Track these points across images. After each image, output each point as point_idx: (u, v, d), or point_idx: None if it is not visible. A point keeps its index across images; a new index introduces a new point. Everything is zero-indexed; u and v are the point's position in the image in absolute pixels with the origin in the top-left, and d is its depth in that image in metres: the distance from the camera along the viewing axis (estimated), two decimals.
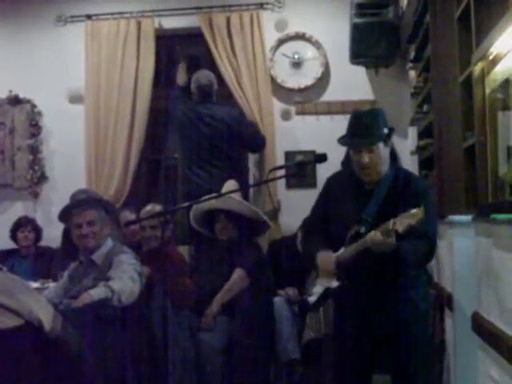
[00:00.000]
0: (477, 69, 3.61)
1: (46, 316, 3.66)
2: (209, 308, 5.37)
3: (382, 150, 3.89)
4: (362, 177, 3.96)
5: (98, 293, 4.33)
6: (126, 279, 4.50)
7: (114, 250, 4.80)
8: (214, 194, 5.04)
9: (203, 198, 5.07)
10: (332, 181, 4.26)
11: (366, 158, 3.87)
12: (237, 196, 5.54)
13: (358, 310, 4.05)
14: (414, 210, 3.54)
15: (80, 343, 3.80)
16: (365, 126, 3.89)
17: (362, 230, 3.84)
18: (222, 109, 6.84)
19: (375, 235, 3.67)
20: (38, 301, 3.70)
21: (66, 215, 4.79)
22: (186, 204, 5.14)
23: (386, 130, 3.91)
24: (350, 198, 4.03)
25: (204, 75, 6.88)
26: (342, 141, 3.99)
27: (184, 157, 6.92)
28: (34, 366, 3.60)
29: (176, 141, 7.27)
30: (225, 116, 6.72)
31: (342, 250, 3.95)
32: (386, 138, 3.91)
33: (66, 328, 3.74)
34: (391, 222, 3.58)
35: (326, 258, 4.00)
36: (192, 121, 6.73)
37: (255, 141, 6.95)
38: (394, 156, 4.11)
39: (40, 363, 3.62)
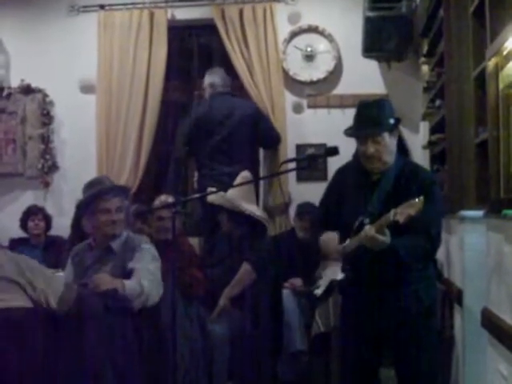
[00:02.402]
0: (490, 64, 3.60)
1: (53, 292, 3.69)
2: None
3: (388, 139, 3.89)
4: (368, 166, 3.96)
5: (131, 286, 4.33)
6: (156, 284, 4.51)
7: (134, 240, 4.80)
8: (213, 189, 5.11)
9: (208, 190, 5.12)
10: (340, 172, 4.27)
11: (371, 148, 3.88)
12: (242, 189, 5.50)
13: (361, 303, 4.06)
14: (413, 201, 3.54)
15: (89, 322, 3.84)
16: (370, 116, 3.91)
17: (366, 221, 3.85)
18: (240, 102, 6.86)
19: (369, 231, 3.67)
20: (44, 276, 3.74)
21: (93, 200, 4.76)
22: (197, 195, 5.15)
23: (392, 120, 3.92)
24: (357, 189, 4.04)
25: (215, 72, 6.92)
26: (349, 131, 4.01)
27: (201, 153, 6.90)
28: (39, 345, 3.63)
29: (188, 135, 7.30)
30: (244, 110, 6.73)
31: (347, 242, 3.95)
32: (392, 128, 3.91)
33: (83, 303, 3.78)
34: (392, 212, 3.58)
35: (329, 240, 4.00)
36: (210, 118, 6.73)
37: (271, 137, 6.95)
38: (404, 148, 4.12)
39: (46, 342, 3.65)
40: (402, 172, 3.94)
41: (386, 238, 3.65)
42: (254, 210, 5.53)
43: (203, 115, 6.78)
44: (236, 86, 7.27)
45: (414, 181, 3.87)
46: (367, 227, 3.70)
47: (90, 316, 3.88)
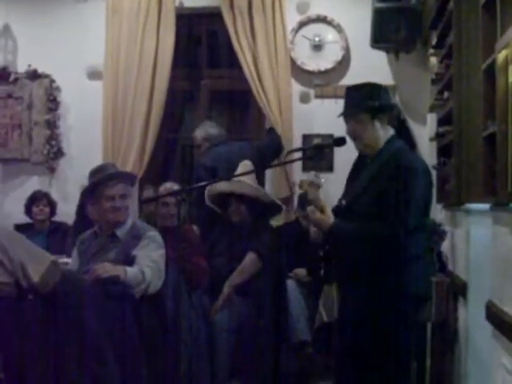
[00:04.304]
0: (500, 56, 3.57)
1: (35, 267, 3.67)
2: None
3: (370, 121, 3.91)
4: (355, 147, 4.00)
5: (132, 273, 4.33)
6: (157, 272, 4.51)
7: (139, 227, 4.80)
8: (225, 176, 5.07)
9: (216, 179, 5.08)
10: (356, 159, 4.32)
11: (350, 128, 3.97)
12: (248, 179, 5.48)
13: (341, 291, 4.15)
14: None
15: (80, 306, 3.81)
16: (351, 98, 4.01)
17: (343, 202, 3.89)
18: (237, 148, 6.67)
19: (310, 208, 3.74)
20: (28, 252, 3.72)
21: (97, 187, 4.75)
22: (203, 183, 5.14)
23: (375, 104, 3.91)
24: (352, 173, 4.13)
25: (208, 125, 6.84)
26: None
27: None
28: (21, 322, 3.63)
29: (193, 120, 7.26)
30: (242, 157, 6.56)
31: None
32: (375, 112, 3.90)
33: (65, 286, 3.75)
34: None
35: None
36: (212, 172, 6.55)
37: (277, 153, 6.90)
38: (410, 140, 4.12)
39: (30, 319, 3.65)
40: (390, 158, 3.91)
41: (322, 216, 3.75)
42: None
43: (203, 169, 6.54)
44: (239, 77, 7.27)
45: (396, 167, 3.84)
46: (309, 208, 3.82)
47: (73, 298, 3.84)
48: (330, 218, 3.76)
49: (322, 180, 3.99)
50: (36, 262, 3.70)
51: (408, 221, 3.76)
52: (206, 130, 6.77)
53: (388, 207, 3.71)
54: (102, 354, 3.89)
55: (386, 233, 3.75)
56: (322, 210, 3.78)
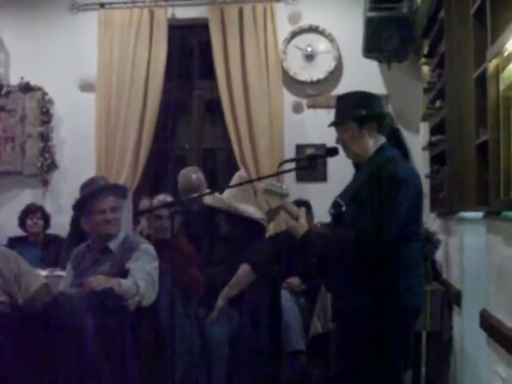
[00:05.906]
0: (491, 65, 3.59)
1: (23, 288, 3.67)
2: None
3: (357, 130, 3.84)
4: (347, 156, 3.98)
5: (127, 285, 4.31)
6: (151, 284, 4.50)
7: (132, 240, 4.78)
8: (208, 191, 5.08)
9: (207, 191, 5.10)
10: None
11: (339, 137, 3.91)
12: (240, 191, 5.45)
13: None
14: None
15: (77, 323, 3.81)
16: (339, 107, 3.97)
17: (332, 211, 3.88)
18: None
19: (285, 217, 3.80)
20: (20, 272, 3.72)
21: (87, 200, 4.74)
22: (196, 195, 5.14)
23: (362, 112, 3.86)
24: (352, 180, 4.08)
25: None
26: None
27: None
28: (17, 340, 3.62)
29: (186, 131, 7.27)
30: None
31: None
32: (363, 120, 3.86)
33: (58, 308, 3.74)
34: None
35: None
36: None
37: None
38: (404, 149, 4.10)
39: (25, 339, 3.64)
40: (377, 167, 3.83)
41: (296, 225, 3.75)
42: (251, 211, 5.49)
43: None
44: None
45: (380, 176, 3.76)
46: (284, 214, 3.83)
47: (67, 319, 3.83)
48: (303, 226, 3.75)
49: (284, 187, 3.95)
50: (26, 284, 3.71)
51: (382, 232, 3.57)
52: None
53: (366, 217, 3.62)
54: (97, 368, 3.89)
55: (356, 244, 3.60)
56: (297, 218, 3.78)
